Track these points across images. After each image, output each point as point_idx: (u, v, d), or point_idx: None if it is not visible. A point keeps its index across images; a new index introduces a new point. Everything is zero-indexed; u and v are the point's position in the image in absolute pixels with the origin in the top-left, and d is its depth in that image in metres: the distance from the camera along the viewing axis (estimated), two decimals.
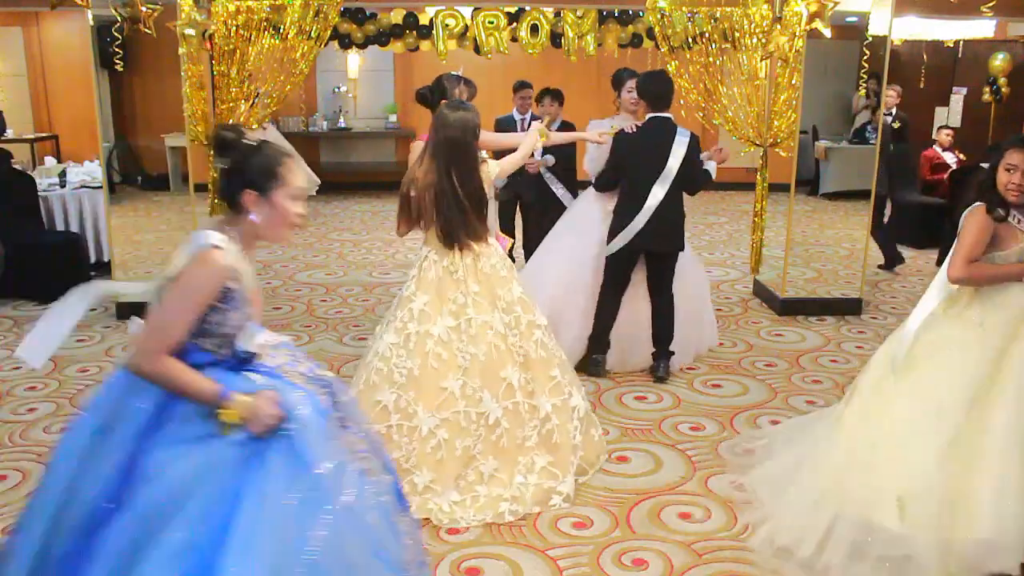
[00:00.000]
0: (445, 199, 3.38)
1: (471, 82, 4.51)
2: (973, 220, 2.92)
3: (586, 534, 3.24)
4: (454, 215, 3.39)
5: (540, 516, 3.34)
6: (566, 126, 5.69)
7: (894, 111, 8.57)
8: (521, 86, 5.86)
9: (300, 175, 2.20)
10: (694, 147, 4.52)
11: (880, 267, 7.34)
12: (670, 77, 4.80)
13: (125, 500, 1.96)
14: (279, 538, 1.96)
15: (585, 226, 4.84)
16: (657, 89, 4.55)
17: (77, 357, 5.08)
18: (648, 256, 4.62)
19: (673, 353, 4.76)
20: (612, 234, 4.58)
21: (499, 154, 3.96)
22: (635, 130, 4.57)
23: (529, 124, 4.93)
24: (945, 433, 2.76)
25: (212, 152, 2.13)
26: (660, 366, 4.71)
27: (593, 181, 4.88)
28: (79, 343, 5.32)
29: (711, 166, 4.70)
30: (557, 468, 3.47)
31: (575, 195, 5.63)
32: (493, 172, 3.59)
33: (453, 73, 4.35)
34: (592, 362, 4.76)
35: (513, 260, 3.81)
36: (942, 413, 2.80)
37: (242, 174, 2.13)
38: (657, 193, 4.46)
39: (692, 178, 4.57)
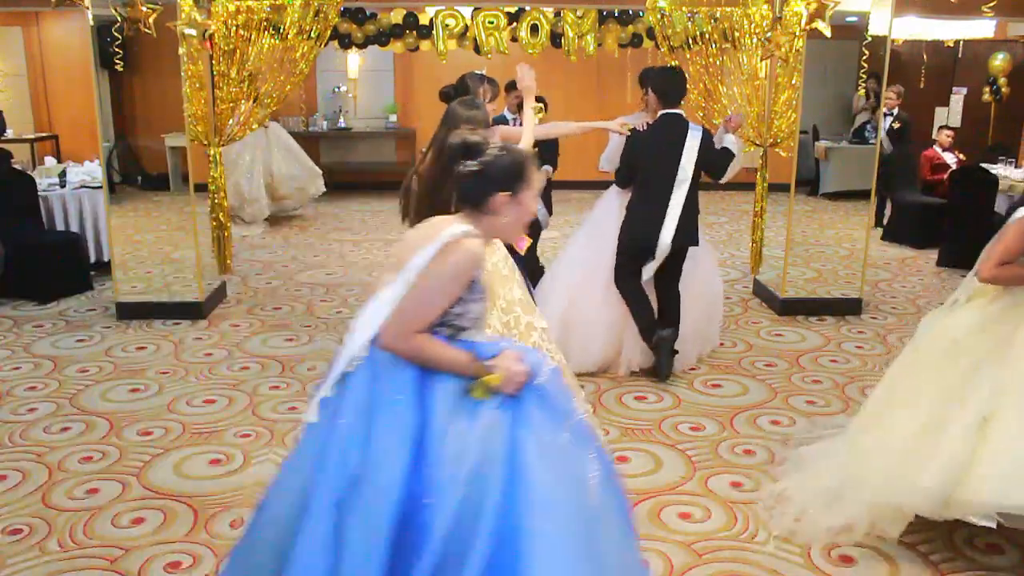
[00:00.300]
0: (431, 197, 3.37)
1: (494, 81, 4.53)
2: (1018, 224, 2.92)
3: None
4: (436, 214, 3.37)
5: None
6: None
7: (895, 111, 8.58)
8: (514, 86, 5.87)
9: (538, 175, 2.29)
10: (707, 138, 4.51)
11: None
12: (681, 73, 4.75)
13: (437, 490, 1.94)
14: (567, 481, 2.02)
15: (603, 227, 4.81)
16: (666, 85, 4.54)
17: (77, 357, 5.08)
18: None
19: (677, 352, 4.75)
20: (624, 230, 4.57)
21: None
22: (646, 127, 4.58)
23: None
24: (939, 411, 2.91)
25: (458, 156, 2.19)
26: (663, 363, 4.70)
27: (614, 179, 4.89)
28: (79, 343, 5.33)
29: (728, 140, 4.65)
30: None
31: (551, 211, 5.64)
32: None
33: (477, 72, 4.35)
34: (659, 341, 4.54)
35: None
36: (943, 394, 2.92)
37: (496, 177, 2.18)
38: (676, 200, 4.44)
39: (712, 164, 4.56)
